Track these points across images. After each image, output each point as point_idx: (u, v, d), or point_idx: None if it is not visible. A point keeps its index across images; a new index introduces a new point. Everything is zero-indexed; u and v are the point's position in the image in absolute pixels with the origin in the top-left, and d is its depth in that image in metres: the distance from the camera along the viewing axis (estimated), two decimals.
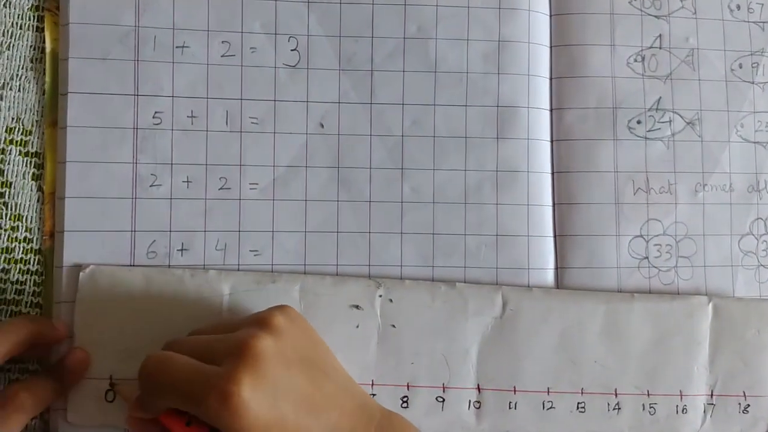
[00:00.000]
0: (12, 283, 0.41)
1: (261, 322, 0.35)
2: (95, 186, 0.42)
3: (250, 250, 0.43)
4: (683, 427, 0.44)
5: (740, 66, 0.47)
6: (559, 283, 0.45)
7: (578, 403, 0.43)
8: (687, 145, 0.47)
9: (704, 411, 0.45)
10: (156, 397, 0.34)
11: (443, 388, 0.43)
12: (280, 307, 0.37)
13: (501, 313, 0.44)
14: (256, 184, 0.43)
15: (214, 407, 0.32)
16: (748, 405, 0.45)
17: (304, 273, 0.43)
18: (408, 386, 0.43)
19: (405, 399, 0.42)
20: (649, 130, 0.46)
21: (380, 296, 0.43)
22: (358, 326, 0.43)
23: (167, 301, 0.41)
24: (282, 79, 0.44)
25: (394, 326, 0.43)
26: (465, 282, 0.44)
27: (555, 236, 0.45)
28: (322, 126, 0.44)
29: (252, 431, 0.32)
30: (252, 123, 0.43)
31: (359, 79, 0.44)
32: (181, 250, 0.42)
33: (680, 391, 0.44)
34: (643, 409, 0.44)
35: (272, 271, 0.43)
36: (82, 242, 0.41)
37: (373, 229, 0.44)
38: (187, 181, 0.43)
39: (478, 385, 0.43)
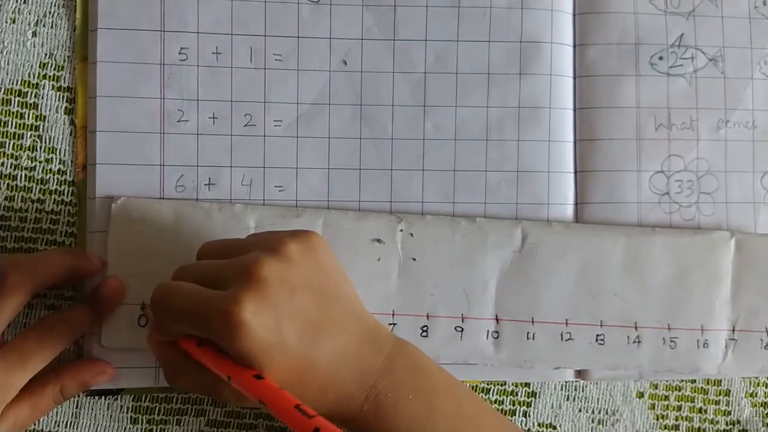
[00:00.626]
0: (47, 213, 0.43)
1: (271, 246, 0.35)
2: (125, 120, 0.43)
3: (275, 186, 0.44)
4: (704, 362, 0.45)
5: (764, 3, 0.47)
6: (579, 219, 0.46)
7: (597, 335, 0.44)
8: (709, 81, 0.46)
9: (726, 346, 0.45)
10: (168, 323, 0.35)
11: (462, 318, 0.44)
12: (298, 234, 0.37)
13: (520, 247, 0.44)
14: (281, 121, 0.44)
15: (217, 329, 0.33)
16: None
17: (328, 209, 0.44)
18: (427, 316, 0.43)
19: (425, 329, 0.43)
20: (671, 67, 0.46)
21: (401, 230, 0.44)
22: (379, 259, 0.43)
23: (195, 233, 0.43)
24: (305, 16, 0.44)
25: (414, 259, 0.44)
26: (485, 217, 0.45)
27: (576, 172, 0.46)
28: (345, 63, 0.45)
29: (254, 352, 0.33)
30: (276, 60, 0.44)
31: (382, 15, 0.45)
32: (208, 184, 0.43)
33: (701, 325, 0.45)
34: (664, 342, 0.44)
35: (296, 207, 0.44)
36: (113, 175, 0.43)
37: (395, 166, 0.45)
38: (213, 117, 0.44)
39: (497, 315, 0.44)
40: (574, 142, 0.46)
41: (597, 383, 0.46)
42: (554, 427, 0.46)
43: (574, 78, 0.46)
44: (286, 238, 0.36)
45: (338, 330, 0.35)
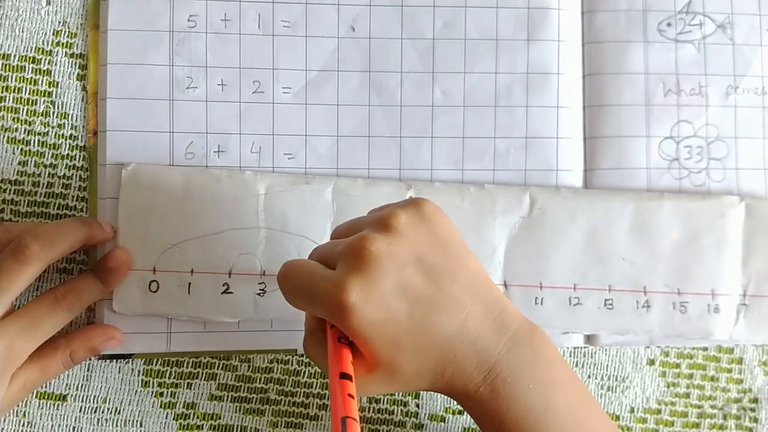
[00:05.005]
0: (59, 177, 0.43)
1: (381, 222, 0.34)
2: (135, 87, 0.43)
3: (284, 153, 0.44)
4: (715, 327, 0.45)
5: None
6: (588, 185, 0.46)
7: (606, 299, 0.44)
8: (718, 48, 0.46)
9: (737, 312, 0.45)
10: (290, 302, 0.36)
11: None
12: (408, 204, 0.35)
13: (528, 213, 0.44)
14: (289, 88, 0.44)
15: (326, 308, 0.33)
16: None
17: (337, 176, 0.44)
18: None
19: None
20: (679, 33, 0.46)
21: (410, 197, 0.44)
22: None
23: (205, 199, 0.43)
24: None
25: None
26: (494, 184, 0.45)
27: (585, 138, 0.46)
28: (354, 29, 0.45)
29: (363, 328, 0.32)
30: (284, 26, 0.44)
31: None
32: (218, 151, 0.44)
33: (712, 290, 0.45)
34: (674, 307, 0.44)
35: (306, 174, 0.44)
36: (123, 141, 0.43)
37: (404, 133, 0.45)
38: (222, 84, 0.44)
39: (505, 281, 0.44)
40: (583, 108, 0.46)
41: (606, 350, 0.46)
42: None
43: (583, 44, 0.46)
44: (396, 210, 0.35)
45: (455, 306, 0.34)
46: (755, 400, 0.46)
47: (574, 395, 0.36)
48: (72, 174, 0.43)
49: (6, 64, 0.43)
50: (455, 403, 0.44)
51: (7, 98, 0.43)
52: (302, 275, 0.35)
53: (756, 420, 0.46)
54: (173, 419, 0.44)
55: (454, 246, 0.35)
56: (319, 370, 0.44)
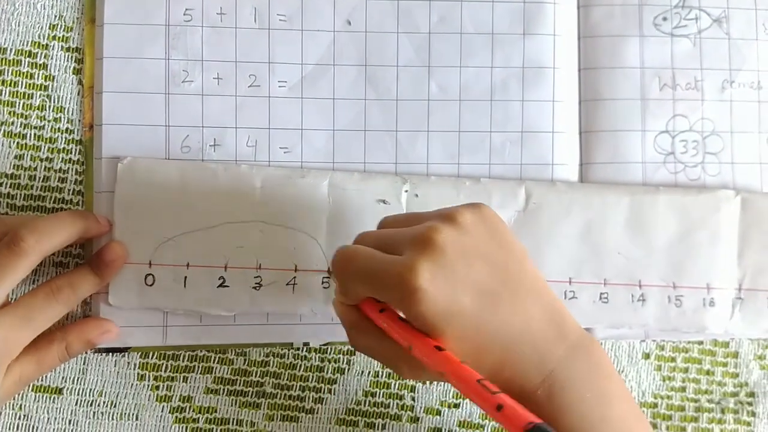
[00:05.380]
0: (55, 171, 0.43)
1: (446, 216, 0.35)
2: (131, 81, 0.43)
3: (280, 147, 0.44)
4: (711, 321, 0.45)
5: None
6: (583, 179, 0.46)
7: (601, 293, 0.44)
8: (713, 42, 0.46)
9: (732, 305, 0.45)
10: (348, 285, 0.36)
11: None
12: (472, 205, 0.36)
13: (524, 207, 0.44)
14: (285, 81, 0.45)
15: (394, 293, 0.33)
16: None
17: (333, 170, 0.44)
18: None
19: None
20: (674, 27, 0.46)
21: (406, 191, 0.44)
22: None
23: (201, 193, 0.43)
24: None
25: None
26: (490, 178, 0.45)
27: (580, 132, 0.46)
28: (350, 23, 0.45)
29: (430, 316, 0.33)
30: (280, 20, 0.44)
31: None
32: (214, 145, 0.44)
33: (707, 284, 0.45)
34: (669, 301, 0.44)
35: (302, 168, 0.44)
36: (119, 135, 0.43)
37: (400, 127, 0.45)
38: (218, 78, 0.44)
39: None
40: (579, 103, 0.46)
41: (602, 343, 0.46)
42: None
43: (579, 38, 0.46)
44: (460, 208, 0.35)
45: (520, 307, 0.34)
46: (752, 394, 0.46)
47: (627, 409, 0.36)
48: (68, 168, 0.43)
49: (2, 58, 0.43)
50: (451, 396, 0.44)
51: (4, 92, 0.43)
52: (368, 259, 0.35)
53: (754, 414, 0.46)
54: (169, 412, 0.44)
55: (514, 249, 0.36)
56: (317, 364, 0.44)
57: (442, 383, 0.45)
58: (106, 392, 0.43)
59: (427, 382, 0.45)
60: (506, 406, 0.30)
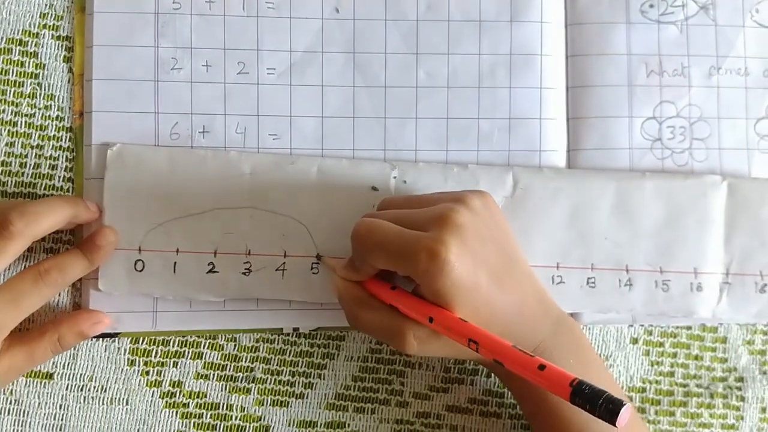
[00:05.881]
0: (46, 158, 0.44)
1: (459, 199, 0.38)
2: (120, 69, 0.44)
3: (269, 134, 0.45)
4: (699, 306, 0.45)
5: None
6: (571, 165, 0.46)
7: (588, 278, 0.44)
8: (700, 29, 0.47)
9: (720, 290, 0.45)
10: (368, 257, 0.38)
11: None
12: (478, 191, 0.39)
13: (512, 192, 0.45)
14: (274, 69, 0.45)
15: (422, 264, 0.35)
16: (765, 284, 0.45)
17: (322, 156, 0.45)
18: None
19: None
20: (661, 14, 0.46)
21: (395, 178, 0.44)
22: (374, 206, 0.44)
23: (190, 179, 0.43)
24: None
25: None
26: (477, 164, 0.45)
27: (568, 119, 0.46)
28: (338, 11, 0.45)
29: (452, 291, 0.35)
30: (268, 8, 0.45)
31: None
32: (203, 132, 0.44)
33: (694, 268, 0.45)
34: (656, 286, 0.45)
35: (291, 155, 0.45)
36: (109, 122, 0.43)
37: (388, 114, 0.45)
38: (207, 65, 0.44)
39: None
40: (566, 89, 0.46)
41: (590, 328, 0.46)
42: None
43: (566, 26, 0.46)
44: (468, 193, 0.39)
45: (517, 286, 0.38)
46: (741, 379, 0.47)
47: (605, 377, 0.41)
48: (59, 155, 0.44)
49: None
50: (439, 380, 0.44)
51: None
52: (395, 232, 0.37)
53: (743, 399, 0.46)
54: (159, 397, 0.44)
55: (510, 236, 0.40)
56: (306, 349, 0.45)
57: (432, 367, 0.45)
58: (96, 377, 0.44)
59: (416, 366, 0.45)
60: (548, 366, 0.33)
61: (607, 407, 0.31)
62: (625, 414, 0.31)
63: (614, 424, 0.31)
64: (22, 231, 0.38)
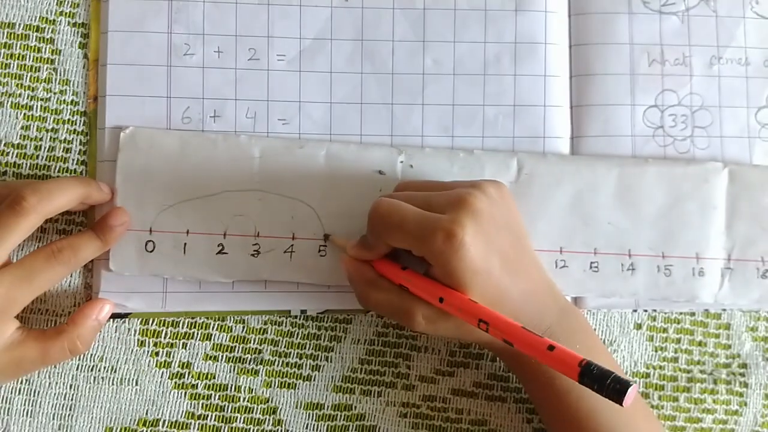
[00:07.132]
0: (60, 141, 0.45)
1: (477, 186, 0.39)
2: (134, 54, 0.45)
3: (279, 119, 0.46)
4: (701, 290, 0.45)
5: None
6: (575, 151, 0.47)
7: (591, 262, 0.45)
8: (701, 19, 0.48)
9: (722, 275, 0.46)
10: (386, 235, 0.39)
11: None
12: (494, 181, 0.40)
13: (516, 178, 0.45)
14: (284, 55, 0.46)
15: (438, 244, 0.36)
16: (767, 270, 0.46)
17: (330, 141, 0.46)
18: None
19: None
20: (663, 5, 0.47)
21: (401, 162, 0.45)
22: (381, 190, 0.45)
23: (201, 162, 0.44)
24: None
25: None
26: (483, 150, 0.46)
27: (571, 106, 0.47)
28: (347, 0, 0.46)
29: (466, 273, 0.37)
30: None
31: None
32: (214, 116, 0.45)
33: (696, 254, 0.45)
34: (658, 270, 0.45)
35: (300, 139, 0.46)
36: (122, 106, 0.44)
37: (395, 100, 0.46)
38: (218, 51, 0.45)
39: None
40: (570, 77, 0.47)
41: (593, 313, 0.46)
42: None
43: (570, 15, 0.47)
44: (484, 182, 0.40)
45: (527, 274, 0.40)
46: (744, 366, 0.47)
47: (610, 361, 0.42)
48: (73, 138, 0.45)
49: (11, 33, 0.45)
50: (445, 364, 0.45)
51: (12, 65, 0.45)
52: (412, 212, 0.38)
53: (746, 385, 0.47)
54: (168, 378, 0.44)
55: (523, 227, 0.41)
56: (314, 332, 0.45)
57: (438, 351, 0.46)
58: (106, 358, 0.44)
59: (422, 350, 0.45)
60: (557, 346, 0.34)
61: (614, 387, 0.32)
62: (632, 394, 0.32)
63: (621, 404, 0.32)
64: (35, 206, 0.39)
